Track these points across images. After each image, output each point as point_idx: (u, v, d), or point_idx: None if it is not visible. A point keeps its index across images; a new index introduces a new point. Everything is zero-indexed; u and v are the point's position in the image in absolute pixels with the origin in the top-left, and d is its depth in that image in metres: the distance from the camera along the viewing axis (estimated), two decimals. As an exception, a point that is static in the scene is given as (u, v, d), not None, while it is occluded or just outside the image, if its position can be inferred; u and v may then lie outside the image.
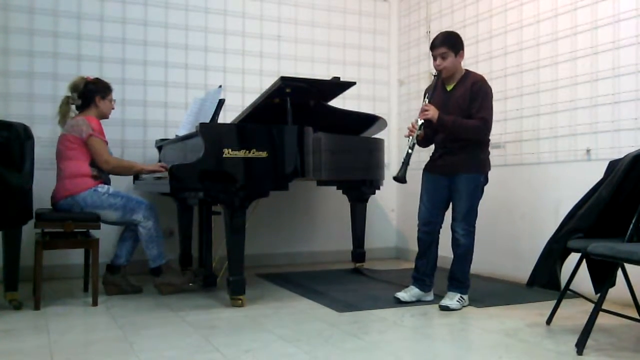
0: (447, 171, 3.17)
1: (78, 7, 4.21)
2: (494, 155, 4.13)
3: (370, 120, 4.18)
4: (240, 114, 3.92)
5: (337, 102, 4.05)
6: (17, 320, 2.88)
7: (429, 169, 3.29)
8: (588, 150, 3.45)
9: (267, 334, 2.63)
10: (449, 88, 3.21)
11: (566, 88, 3.60)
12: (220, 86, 3.72)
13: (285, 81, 3.34)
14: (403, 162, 3.06)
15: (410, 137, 3.09)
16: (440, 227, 3.27)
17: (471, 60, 4.39)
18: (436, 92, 3.20)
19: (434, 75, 3.18)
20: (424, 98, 3.19)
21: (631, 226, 2.39)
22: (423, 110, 3.10)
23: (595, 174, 2.78)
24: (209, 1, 4.60)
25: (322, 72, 4.87)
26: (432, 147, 3.36)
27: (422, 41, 4.97)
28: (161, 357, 2.30)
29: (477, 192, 3.14)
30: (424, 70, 4.93)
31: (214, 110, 3.45)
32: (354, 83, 3.82)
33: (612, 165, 2.71)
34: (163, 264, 3.49)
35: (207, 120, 3.39)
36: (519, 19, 3.97)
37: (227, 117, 4.38)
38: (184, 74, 4.52)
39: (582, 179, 3.08)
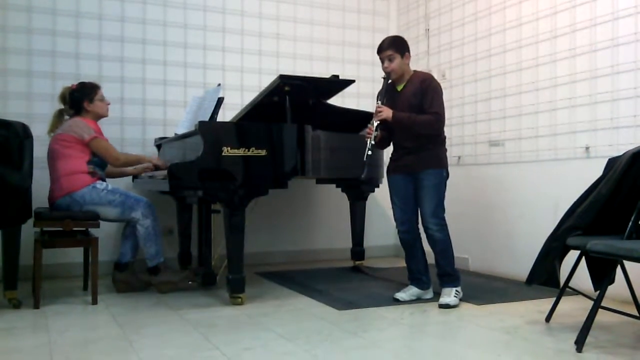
0: (410, 170, 3.22)
1: (76, 5, 4.20)
2: (493, 153, 4.15)
3: (369, 118, 4.15)
4: (239, 112, 3.91)
5: (336, 100, 4.04)
6: (17, 319, 2.88)
7: (392, 170, 3.34)
8: (587, 148, 3.45)
9: (267, 332, 2.63)
10: (399, 88, 3.28)
11: (565, 85, 3.60)
12: (219, 84, 3.72)
13: (284, 79, 3.34)
14: (364, 164, 3.10)
15: (368, 140, 3.12)
16: (417, 223, 3.31)
17: (470, 58, 4.39)
18: (388, 94, 3.26)
19: (383, 78, 3.24)
20: (377, 101, 3.23)
21: (630, 223, 2.39)
22: (377, 112, 3.15)
23: (594, 171, 2.78)
24: (207, -1, 4.61)
25: (321, 70, 4.87)
26: (391, 148, 3.40)
27: (420, 39, 4.96)
28: (161, 356, 2.30)
29: (442, 187, 3.20)
30: (423, 68, 4.92)
31: (213, 108, 3.45)
32: (353, 81, 3.81)
33: (611, 162, 2.71)
34: (161, 263, 3.49)
35: (206, 119, 3.39)
36: (517, 17, 3.97)
37: (226, 115, 4.38)
38: (183, 73, 4.51)
39: (581, 176, 3.08)
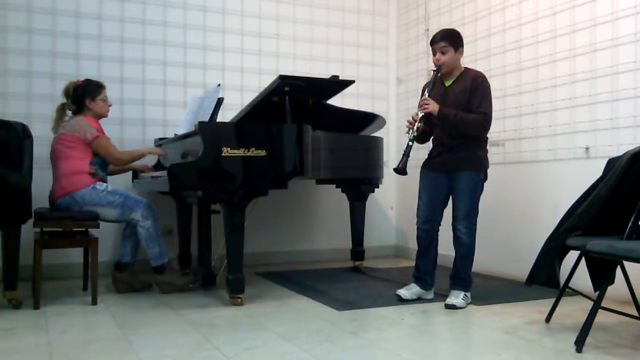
0: (447, 169, 3.17)
1: (76, 5, 4.20)
2: (493, 153, 4.13)
3: (369, 119, 4.17)
4: (239, 112, 3.91)
5: (335, 101, 4.04)
6: (17, 320, 2.88)
7: (427, 166, 3.28)
8: (587, 148, 3.45)
9: (267, 332, 2.63)
10: (447, 84, 3.21)
11: (565, 86, 3.60)
12: (219, 85, 3.72)
13: (283, 79, 3.34)
14: (403, 154, 3.06)
15: (411, 130, 3.08)
16: (439, 224, 3.26)
17: (470, 58, 4.38)
18: (435, 88, 3.19)
19: (433, 71, 3.18)
20: (423, 93, 3.19)
21: (630, 224, 2.38)
22: (423, 104, 3.09)
23: (594, 171, 2.78)
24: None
25: (320, 71, 4.87)
26: (430, 144, 3.36)
27: (420, 39, 4.96)
28: (161, 356, 2.30)
29: (478, 190, 3.14)
30: (423, 68, 4.92)
31: (212, 108, 3.45)
32: (353, 81, 3.81)
33: (611, 162, 2.70)
34: (166, 263, 3.48)
35: (206, 119, 3.39)
36: (517, 17, 3.97)
37: (226, 115, 4.37)
38: (183, 73, 4.51)
39: (580, 176, 3.08)
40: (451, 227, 3.18)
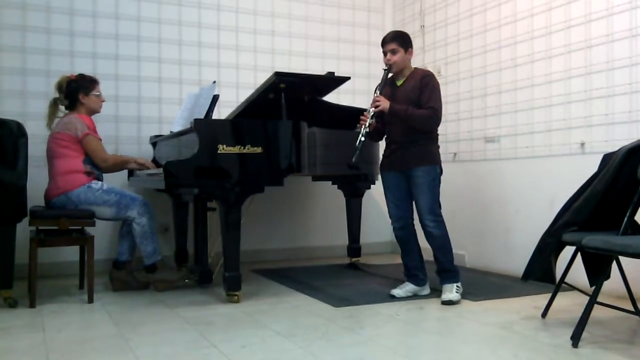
0: (403, 167, 3.23)
1: (71, 3, 4.18)
2: (489, 149, 4.15)
3: (364, 115, 4.16)
4: (235, 109, 3.91)
5: (331, 97, 4.04)
6: (12, 318, 2.87)
7: (384, 167, 3.35)
8: (582, 144, 3.46)
9: (263, 329, 2.63)
10: (398, 83, 3.29)
11: (560, 81, 3.61)
12: (214, 82, 3.71)
13: (279, 76, 3.34)
14: (356, 149, 3.10)
15: (363, 127, 3.14)
16: (412, 219, 3.31)
17: (465, 54, 4.39)
18: (386, 87, 3.28)
19: (384, 70, 3.25)
20: (375, 92, 3.23)
21: (625, 219, 2.40)
22: (374, 102, 3.16)
23: (589, 167, 2.78)
24: (202, -4, 4.59)
25: (316, 67, 4.87)
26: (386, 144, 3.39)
27: (416, 35, 4.95)
28: (157, 354, 2.30)
29: (436, 183, 3.21)
30: (418, 64, 4.92)
31: (208, 106, 3.44)
32: (349, 78, 3.81)
33: (606, 158, 2.71)
34: (158, 261, 3.49)
35: (202, 116, 3.38)
36: (512, 13, 3.97)
37: (222, 112, 4.37)
38: (178, 70, 4.50)
39: (576, 172, 3.08)
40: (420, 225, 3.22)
